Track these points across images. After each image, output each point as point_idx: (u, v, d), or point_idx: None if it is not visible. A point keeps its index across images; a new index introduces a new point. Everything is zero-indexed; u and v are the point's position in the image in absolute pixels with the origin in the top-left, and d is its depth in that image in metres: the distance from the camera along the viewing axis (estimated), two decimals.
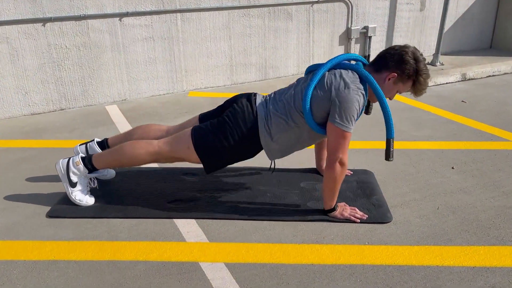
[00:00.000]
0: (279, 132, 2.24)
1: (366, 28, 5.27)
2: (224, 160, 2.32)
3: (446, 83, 4.78)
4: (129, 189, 2.63)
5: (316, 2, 4.89)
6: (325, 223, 2.29)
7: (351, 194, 2.54)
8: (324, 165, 2.73)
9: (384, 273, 1.93)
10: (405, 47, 2.17)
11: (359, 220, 2.28)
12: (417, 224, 2.28)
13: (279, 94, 2.33)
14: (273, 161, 2.48)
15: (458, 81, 4.85)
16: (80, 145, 2.70)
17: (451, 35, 5.92)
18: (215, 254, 2.06)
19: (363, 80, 2.15)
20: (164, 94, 4.49)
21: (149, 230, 2.25)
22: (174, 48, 4.39)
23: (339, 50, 5.28)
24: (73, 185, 2.42)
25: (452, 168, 2.88)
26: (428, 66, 5.65)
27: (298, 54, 5.05)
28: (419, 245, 2.11)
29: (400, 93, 2.25)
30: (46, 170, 2.90)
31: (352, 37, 5.20)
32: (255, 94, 2.38)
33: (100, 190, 2.58)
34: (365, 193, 2.55)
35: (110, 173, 2.74)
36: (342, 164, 2.18)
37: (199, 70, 4.59)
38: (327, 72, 2.20)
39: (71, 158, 2.44)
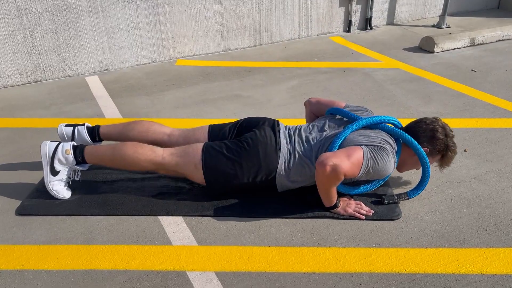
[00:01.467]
0: (298, 174, 2.08)
1: None
2: (230, 187, 2.13)
3: (454, 48, 4.45)
4: (108, 179, 2.35)
5: None
6: (326, 221, 2.06)
7: None
8: None
9: (394, 283, 1.72)
10: (435, 122, 2.14)
11: (365, 217, 2.06)
12: (429, 220, 2.06)
13: (305, 132, 2.16)
14: None
15: (467, 46, 4.51)
16: (66, 125, 2.38)
17: None
18: (204, 261, 1.83)
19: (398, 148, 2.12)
20: (149, 63, 4.12)
21: (131, 230, 2.01)
22: (159, 11, 3.99)
23: (339, 12, 4.88)
24: (54, 173, 2.15)
25: (465, 150, 2.63)
26: (434, 29, 5.23)
27: (295, 17, 4.65)
28: (432, 247, 1.89)
29: None
30: (17, 156, 2.62)
31: None
32: (278, 124, 2.20)
33: (76, 181, 2.32)
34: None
35: None
36: (334, 171, 1.87)
37: (187, 36, 4.21)
38: (367, 130, 2.11)
39: (62, 144, 2.16)
